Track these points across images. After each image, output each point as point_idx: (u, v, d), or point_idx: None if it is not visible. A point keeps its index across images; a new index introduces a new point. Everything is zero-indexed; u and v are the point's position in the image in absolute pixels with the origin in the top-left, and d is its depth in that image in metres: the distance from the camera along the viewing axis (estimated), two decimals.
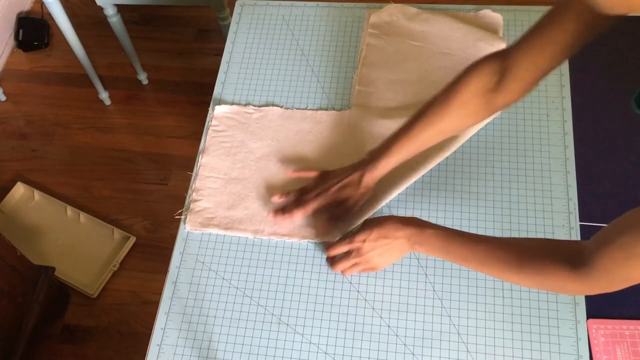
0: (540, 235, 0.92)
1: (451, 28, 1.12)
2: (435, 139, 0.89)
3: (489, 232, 0.94)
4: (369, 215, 0.96)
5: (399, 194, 0.98)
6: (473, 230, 0.94)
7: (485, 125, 1.02)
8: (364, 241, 0.86)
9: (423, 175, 0.99)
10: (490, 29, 1.11)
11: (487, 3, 1.16)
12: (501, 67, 0.79)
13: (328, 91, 1.11)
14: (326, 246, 0.93)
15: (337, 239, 0.94)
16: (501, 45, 1.09)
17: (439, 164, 1.00)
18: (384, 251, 0.87)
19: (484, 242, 0.80)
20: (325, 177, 0.94)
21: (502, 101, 0.82)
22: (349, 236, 0.90)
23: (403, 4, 1.17)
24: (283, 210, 0.94)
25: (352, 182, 0.91)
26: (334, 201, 0.93)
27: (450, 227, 0.94)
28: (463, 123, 0.87)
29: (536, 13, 1.14)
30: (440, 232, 0.83)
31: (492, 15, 1.13)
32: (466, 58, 1.09)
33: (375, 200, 0.97)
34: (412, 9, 1.16)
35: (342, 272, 0.92)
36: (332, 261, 0.93)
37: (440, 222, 0.95)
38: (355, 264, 0.90)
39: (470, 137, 1.02)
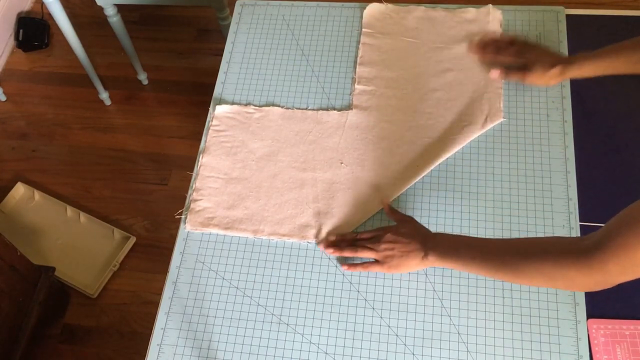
0: (540, 236, 0.92)
1: (444, 24, 1.13)
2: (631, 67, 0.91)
3: (489, 232, 0.94)
4: (369, 215, 0.97)
5: (399, 194, 0.98)
6: (473, 230, 0.94)
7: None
8: (387, 232, 0.88)
9: (423, 176, 0.99)
10: (489, 24, 1.12)
11: (487, 2, 1.16)
12: None
13: (328, 91, 1.11)
14: (338, 239, 0.94)
15: (336, 239, 0.95)
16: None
17: (439, 164, 1.00)
18: (402, 248, 0.86)
19: (492, 243, 0.81)
20: None
21: None
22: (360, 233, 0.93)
23: (397, 3, 1.18)
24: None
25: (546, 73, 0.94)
26: None
27: (451, 226, 0.95)
28: None
29: (536, 13, 1.14)
30: (451, 235, 0.86)
31: (492, 11, 1.13)
32: (462, 52, 1.10)
33: (375, 200, 0.97)
34: (404, 7, 1.16)
35: (348, 268, 0.92)
36: (344, 246, 0.92)
37: (441, 222, 0.95)
38: (372, 259, 0.90)
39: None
